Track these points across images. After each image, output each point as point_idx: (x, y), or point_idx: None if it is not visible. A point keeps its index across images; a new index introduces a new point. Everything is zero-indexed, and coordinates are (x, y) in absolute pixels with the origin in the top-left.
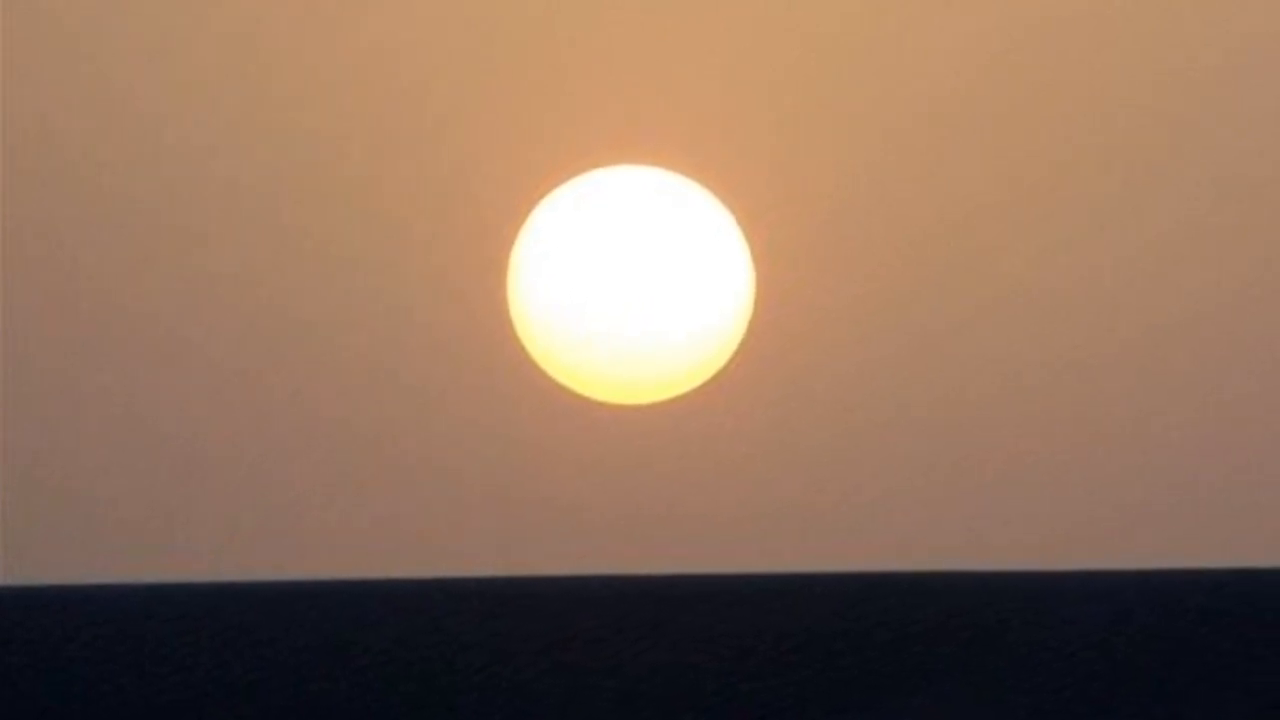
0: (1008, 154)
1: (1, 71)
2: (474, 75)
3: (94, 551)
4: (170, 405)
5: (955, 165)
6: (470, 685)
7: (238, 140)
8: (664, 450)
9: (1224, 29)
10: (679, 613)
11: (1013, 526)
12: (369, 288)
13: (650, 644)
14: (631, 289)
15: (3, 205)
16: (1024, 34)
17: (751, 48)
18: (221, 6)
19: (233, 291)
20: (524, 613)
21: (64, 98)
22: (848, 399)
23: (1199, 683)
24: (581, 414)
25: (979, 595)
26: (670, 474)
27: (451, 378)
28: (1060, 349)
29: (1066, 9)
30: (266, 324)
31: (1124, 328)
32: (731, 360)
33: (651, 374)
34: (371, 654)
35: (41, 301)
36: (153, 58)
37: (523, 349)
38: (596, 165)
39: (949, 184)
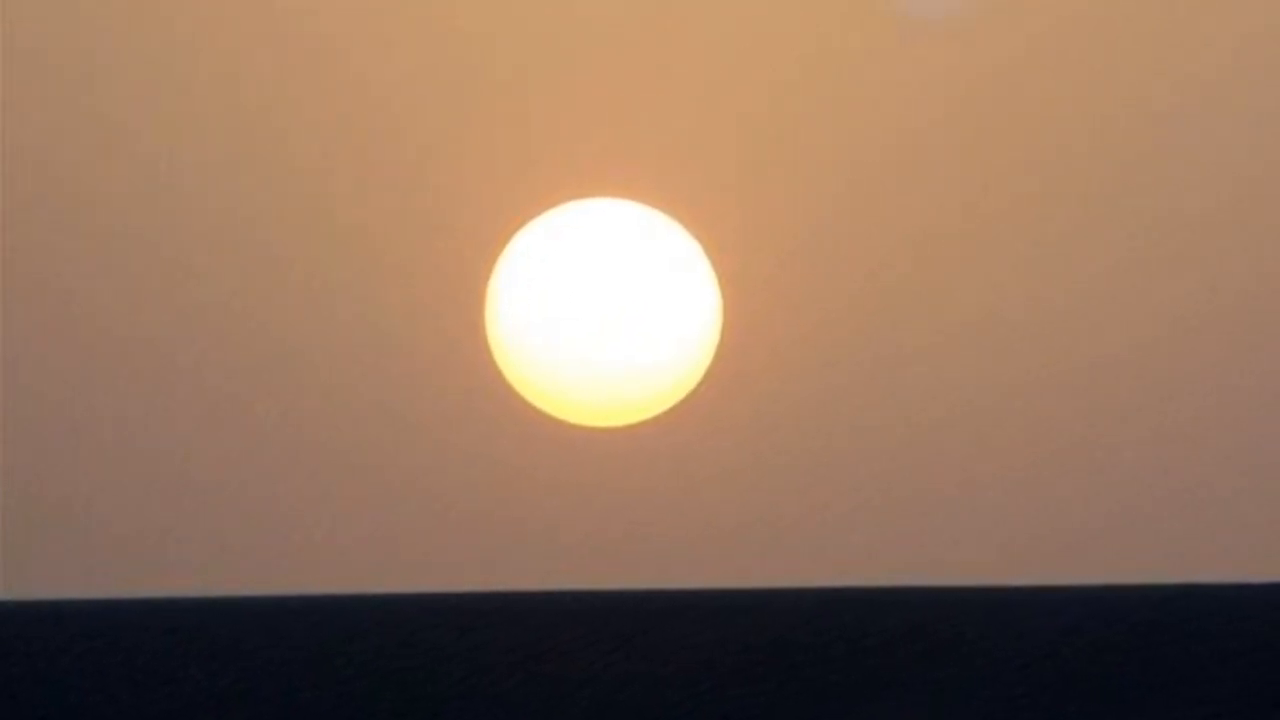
0: (965, 188)
1: (1, 106)
2: (454, 114)
3: (89, 567)
4: (161, 429)
5: (916, 200)
6: (450, 695)
7: (226, 174)
8: (635, 471)
9: (1174, 73)
10: (650, 626)
11: (968, 543)
12: (353, 315)
13: (622, 656)
14: (604, 316)
15: (2, 237)
16: (982, 76)
17: (719, 88)
18: (212, 45)
19: (221, 319)
20: (502, 626)
21: (61, 134)
22: (811, 421)
23: (1145, 692)
24: (556, 436)
25: (935, 609)
26: (640, 493)
27: (432, 401)
28: (1013, 376)
29: (1021, 51)
30: (254, 350)
31: (1075, 356)
32: (700, 384)
33: (623, 398)
34: (355, 665)
35: (39, 329)
36: (144, 93)
37: (500, 374)
38: (571, 198)
39: (910, 218)
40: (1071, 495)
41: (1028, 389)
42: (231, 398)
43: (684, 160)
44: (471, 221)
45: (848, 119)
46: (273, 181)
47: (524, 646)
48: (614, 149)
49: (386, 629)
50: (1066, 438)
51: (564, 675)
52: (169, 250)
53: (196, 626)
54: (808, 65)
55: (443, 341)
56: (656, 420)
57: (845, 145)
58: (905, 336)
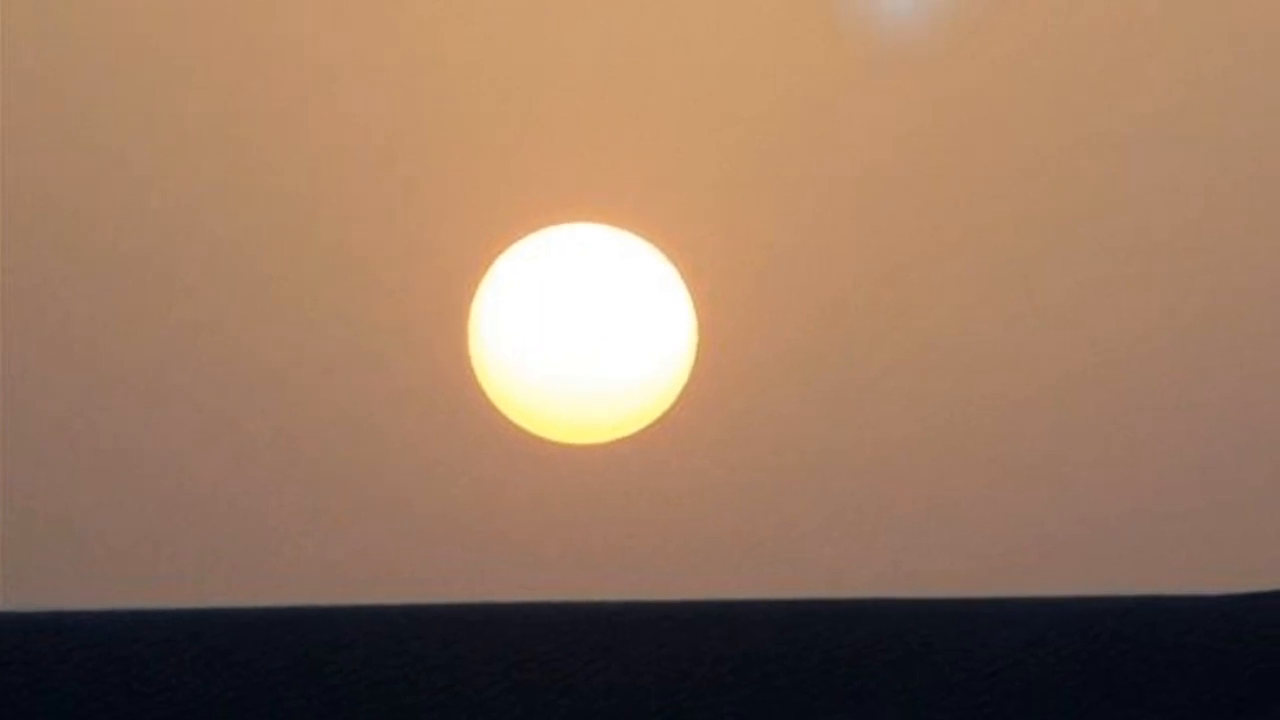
0: (931, 215)
1: (1, 138)
2: (438, 142)
3: (86, 580)
4: (155, 446)
5: (882, 225)
6: (433, 704)
7: (219, 202)
8: (613, 486)
9: (1136, 101)
10: (627, 637)
11: (935, 557)
12: (341, 337)
13: (601, 665)
14: (583, 337)
15: (3, 261)
16: (947, 106)
17: (694, 119)
18: (205, 78)
19: (214, 341)
20: (484, 636)
21: (59, 163)
22: (782, 439)
23: (1107, 701)
24: (537, 453)
25: (904, 620)
26: (618, 508)
27: (417, 419)
28: (977, 394)
29: (984, 84)
30: (245, 371)
31: (1036, 375)
32: (675, 404)
33: (602, 416)
34: (342, 675)
35: (38, 352)
36: (140, 125)
37: (483, 393)
38: (551, 223)
39: (876, 243)
40: (1036, 510)
41: (994, 408)
42: (223, 417)
43: (660, 187)
44: (455, 246)
45: (818, 147)
46: (264, 209)
47: (505, 656)
48: (592, 177)
49: (373, 639)
50: (1032, 455)
51: (544, 684)
52: (164, 274)
53: (190, 637)
54: (779, 96)
55: (428, 362)
56: (634, 438)
57: (816, 172)
58: (875, 357)
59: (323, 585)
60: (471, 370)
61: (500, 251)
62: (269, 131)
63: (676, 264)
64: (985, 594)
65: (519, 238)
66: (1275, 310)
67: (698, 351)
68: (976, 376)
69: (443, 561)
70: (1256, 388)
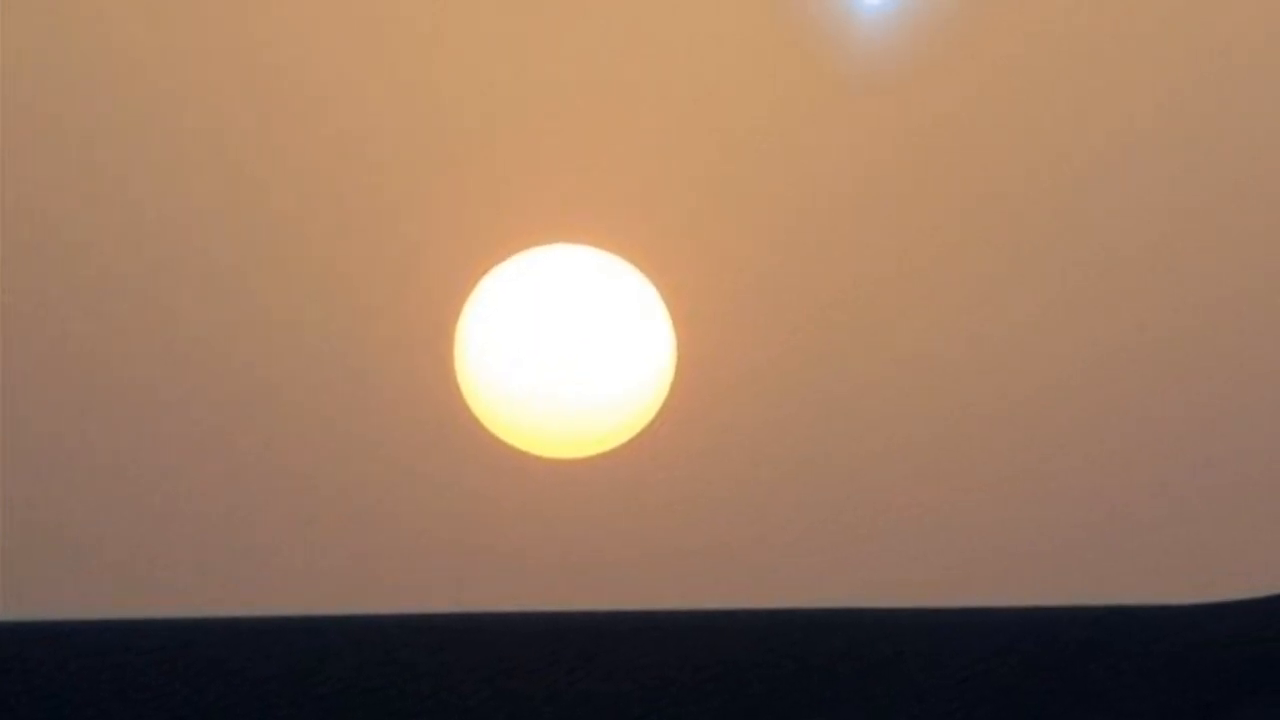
0: (907, 234)
1: (0, 159)
2: (425, 166)
3: (83, 590)
4: (151, 461)
5: (858, 245)
6: (421, 711)
7: (209, 222)
8: (595, 499)
9: (1101, 125)
10: (609, 645)
11: (908, 567)
12: (332, 354)
13: (582, 673)
14: (566, 355)
15: (4, 282)
16: (920, 131)
17: (673, 143)
18: (195, 100)
19: (205, 358)
20: (470, 645)
21: (54, 183)
22: (759, 453)
23: (1076, 707)
24: (521, 467)
25: (877, 629)
26: (600, 521)
27: (405, 435)
28: (951, 408)
29: (956, 109)
30: (239, 388)
31: (1007, 390)
32: (656, 419)
33: (584, 432)
34: (332, 682)
35: (35, 366)
36: (132, 146)
37: (468, 409)
38: (535, 244)
39: (852, 262)
40: (1008, 521)
41: (964, 422)
42: (215, 431)
43: (640, 209)
44: (442, 267)
45: (795, 169)
46: (253, 229)
47: (491, 664)
48: (574, 199)
49: (362, 648)
50: (1001, 468)
51: (528, 692)
52: (157, 292)
53: (183, 645)
54: (757, 119)
55: (415, 379)
56: (615, 453)
57: (793, 193)
58: (849, 373)
59: (313, 595)
60: (458, 387)
61: (485, 272)
62: (257, 153)
63: (656, 283)
64: (956, 604)
65: (504, 258)
66: (1247, 325)
67: (677, 368)
68: (951, 391)
69: (430, 572)
70: (1226, 402)
